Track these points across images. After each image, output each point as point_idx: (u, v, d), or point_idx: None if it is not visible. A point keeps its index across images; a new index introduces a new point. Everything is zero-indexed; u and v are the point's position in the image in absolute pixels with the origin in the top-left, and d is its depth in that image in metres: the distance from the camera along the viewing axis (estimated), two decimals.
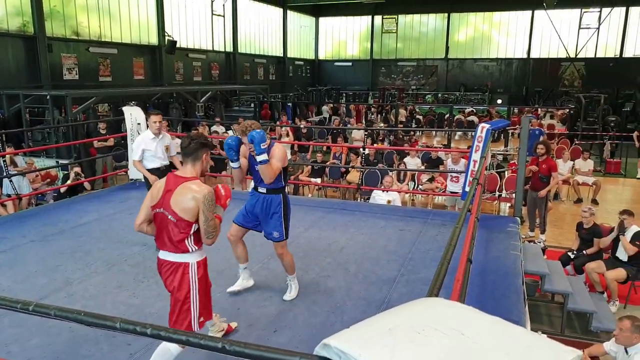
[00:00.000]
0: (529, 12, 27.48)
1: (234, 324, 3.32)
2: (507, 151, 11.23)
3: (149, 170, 4.77)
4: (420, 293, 3.80)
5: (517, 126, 8.59)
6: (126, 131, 7.05)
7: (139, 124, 6.97)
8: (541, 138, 14.52)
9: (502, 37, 28.96)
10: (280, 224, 3.56)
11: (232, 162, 3.55)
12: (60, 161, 9.05)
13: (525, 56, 28.26)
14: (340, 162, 10.38)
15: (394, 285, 3.97)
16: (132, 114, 7.01)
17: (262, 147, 3.30)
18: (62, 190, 7.96)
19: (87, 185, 8.48)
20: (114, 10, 17.29)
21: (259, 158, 3.34)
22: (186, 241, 2.61)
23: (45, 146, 9.79)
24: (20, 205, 7.53)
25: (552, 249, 6.96)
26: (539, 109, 20.63)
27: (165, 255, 2.67)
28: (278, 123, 16.13)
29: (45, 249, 4.68)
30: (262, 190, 3.55)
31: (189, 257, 2.64)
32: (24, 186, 7.88)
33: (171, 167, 4.89)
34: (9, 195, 7.39)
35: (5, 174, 6.77)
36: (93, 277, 4.06)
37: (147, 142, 4.79)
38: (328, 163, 10.43)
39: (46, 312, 1.40)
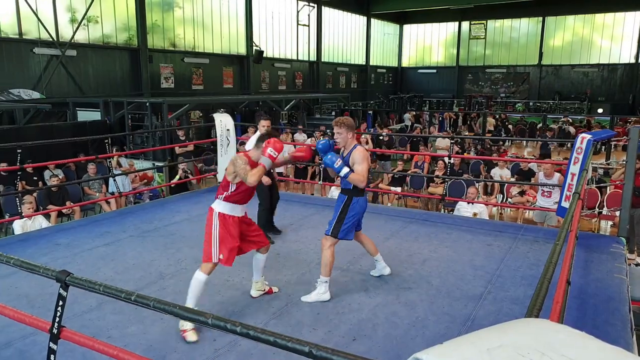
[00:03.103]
0: (638, 13, 25.19)
1: (275, 288, 3.91)
2: (609, 165, 10.31)
3: None
4: (509, 312, 3.58)
5: (622, 137, 7.90)
6: (216, 137, 7.38)
7: (227, 130, 7.29)
8: None
9: (605, 40, 26.80)
10: (333, 219, 3.81)
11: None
12: (156, 163, 9.73)
13: (633, 61, 25.93)
14: (423, 172, 10.13)
15: (480, 302, 3.77)
16: (222, 121, 7.33)
17: (335, 165, 3.63)
18: (173, 186, 8.84)
19: (194, 182, 9.46)
20: (207, 22, 18.35)
21: (341, 174, 3.66)
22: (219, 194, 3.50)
23: (143, 149, 10.57)
24: (121, 203, 8.19)
25: None
26: None
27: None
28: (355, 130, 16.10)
29: (142, 244, 5.03)
30: (339, 189, 3.92)
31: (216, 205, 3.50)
32: (126, 185, 8.59)
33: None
34: (112, 193, 8.07)
35: (110, 173, 7.42)
36: (183, 273, 4.27)
37: None
38: (409, 172, 10.23)
39: (146, 303, 1.48)
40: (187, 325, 3.19)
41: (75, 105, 12.30)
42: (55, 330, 1.77)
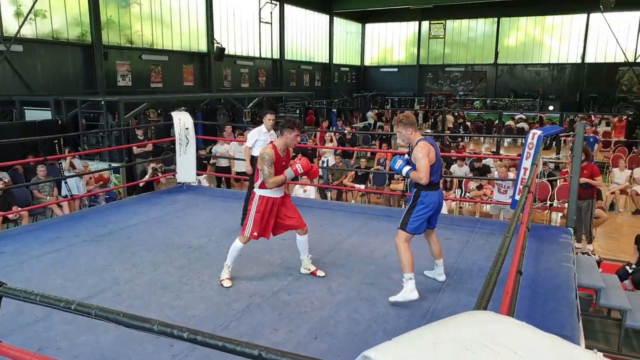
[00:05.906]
0: (584, 16, 26.35)
1: (321, 273, 4.18)
2: (559, 159, 10.73)
3: (252, 156, 5.66)
4: (467, 304, 3.65)
5: (570, 133, 8.24)
6: (174, 135, 7.21)
7: (187, 128, 7.13)
8: (596, 146, 13.77)
9: (554, 41, 27.89)
10: (404, 212, 3.92)
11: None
12: (112, 164, 9.41)
13: (579, 61, 27.11)
14: (385, 169, 10.24)
15: (439, 295, 3.84)
16: (181, 119, 7.17)
17: (396, 167, 3.80)
18: (141, 184, 8.59)
19: (163, 180, 9.25)
20: (166, 19, 17.89)
21: (403, 173, 3.82)
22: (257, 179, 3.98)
23: (98, 149, 10.20)
24: (74, 206, 7.86)
25: (608, 262, 6.57)
26: (594, 116, 19.77)
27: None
28: (319, 128, 16.13)
29: (96, 249, 4.84)
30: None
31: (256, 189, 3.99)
32: (81, 188, 8.24)
33: None
34: (65, 197, 7.74)
35: (61, 176, 7.10)
36: (139, 277, 4.15)
37: (261, 134, 5.68)
38: (372, 169, 10.32)
39: (87, 312, 1.41)
40: (224, 275, 3.97)
41: (22, 104, 11.71)
42: None
